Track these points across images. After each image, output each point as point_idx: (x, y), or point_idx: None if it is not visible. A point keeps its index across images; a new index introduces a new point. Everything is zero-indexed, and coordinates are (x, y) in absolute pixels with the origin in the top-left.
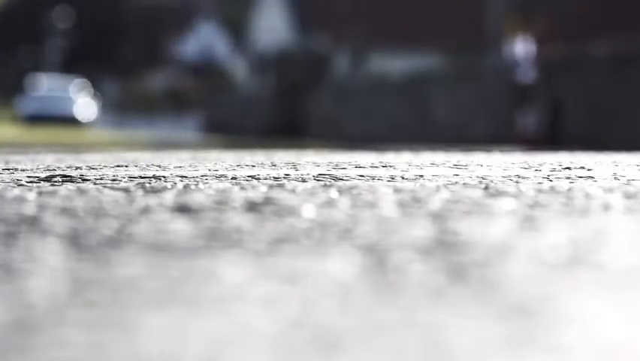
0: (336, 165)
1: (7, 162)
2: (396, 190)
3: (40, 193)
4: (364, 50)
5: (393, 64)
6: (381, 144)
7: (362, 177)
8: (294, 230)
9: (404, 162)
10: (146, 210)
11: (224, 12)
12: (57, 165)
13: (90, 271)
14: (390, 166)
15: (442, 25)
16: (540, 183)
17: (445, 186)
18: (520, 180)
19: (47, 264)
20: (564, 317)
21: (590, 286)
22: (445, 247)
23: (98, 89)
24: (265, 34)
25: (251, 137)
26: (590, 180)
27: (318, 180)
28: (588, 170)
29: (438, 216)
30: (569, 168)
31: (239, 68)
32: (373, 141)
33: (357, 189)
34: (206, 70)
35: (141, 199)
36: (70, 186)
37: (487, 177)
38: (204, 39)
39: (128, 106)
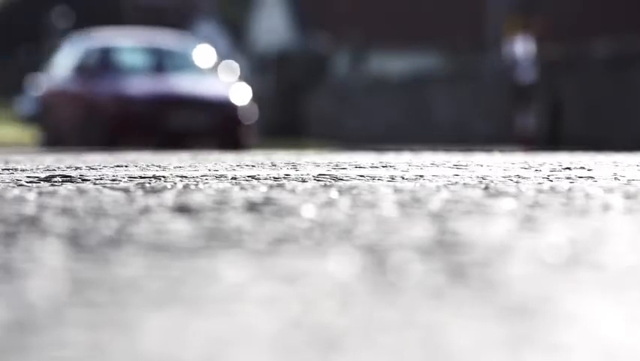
0: (336, 165)
1: (7, 162)
2: (397, 190)
3: (40, 193)
4: (364, 50)
5: (393, 64)
6: (381, 144)
7: (362, 177)
8: (293, 230)
9: (404, 162)
10: (145, 210)
11: (224, 12)
12: (57, 165)
13: (90, 271)
14: (391, 166)
15: (442, 25)
16: (540, 183)
17: (445, 186)
18: (520, 180)
19: (47, 264)
20: (564, 317)
21: (589, 286)
22: (444, 247)
23: None
24: (265, 34)
25: None
26: (590, 181)
27: (318, 180)
28: (588, 170)
29: (438, 217)
30: (569, 168)
31: (239, 68)
32: (373, 141)
33: (357, 190)
34: None
35: (141, 199)
36: (70, 186)
37: (487, 178)
38: (204, 39)
39: None
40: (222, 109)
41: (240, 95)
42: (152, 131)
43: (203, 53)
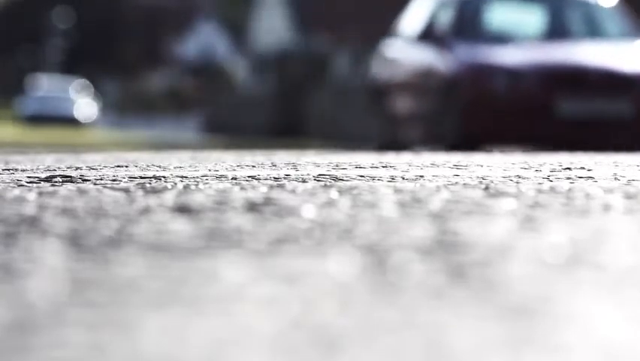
0: (337, 166)
1: (7, 163)
2: (397, 190)
3: (40, 193)
4: (364, 50)
5: None
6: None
7: (362, 178)
8: (294, 230)
9: (404, 162)
10: (146, 211)
11: (224, 12)
12: (57, 165)
13: (90, 271)
14: (391, 166)
15: None
16: (540, 183)
17: (446, 186)
18: (520, 180)
19: (47, 264)
20: (564, 317)
21: (590, 286)
22: (445, 247)
23: (98, 89)
24: (265, 35)
25: (251, 137)
26: (590, 181)
27: (318, 180)
28: (588, 170)
29: (438, 217)
30: (569, 168)
31: (239, 68)
32: (373, 141)
33: (358, 190)
34: (206, 70)
35: (141, 199)
36: (70, 186)
37: (487, 178)
38: (204, 39)
39: (128, 106)
40: None
41: None
42: (535, 121)
43: (615, 8)
